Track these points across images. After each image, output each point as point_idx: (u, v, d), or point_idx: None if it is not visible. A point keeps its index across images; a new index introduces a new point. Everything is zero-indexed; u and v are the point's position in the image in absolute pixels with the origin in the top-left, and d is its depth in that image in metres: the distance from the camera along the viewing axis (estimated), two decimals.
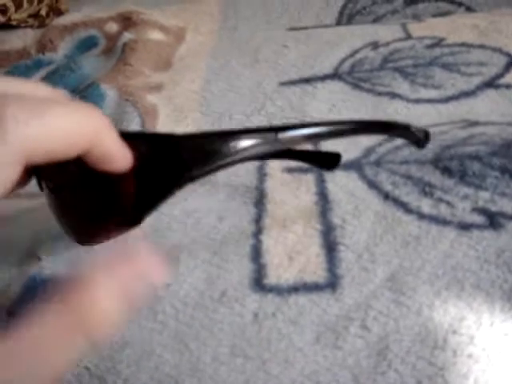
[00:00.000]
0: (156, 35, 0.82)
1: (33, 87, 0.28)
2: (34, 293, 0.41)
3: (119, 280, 0.23)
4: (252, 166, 0.49)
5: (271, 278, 0.39)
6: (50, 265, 0.43)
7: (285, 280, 0.39)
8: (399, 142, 0.48)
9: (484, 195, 0.41)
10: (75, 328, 0.22)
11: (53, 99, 0.26)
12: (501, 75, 0.58)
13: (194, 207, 0.45)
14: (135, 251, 0.25)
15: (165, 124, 0.61)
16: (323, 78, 0.62)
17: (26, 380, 0.21)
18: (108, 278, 0.23)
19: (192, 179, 0.33)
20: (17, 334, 0.22)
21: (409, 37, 0.67)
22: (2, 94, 0.23)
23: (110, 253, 0.24)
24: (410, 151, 0.46)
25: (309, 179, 0.46)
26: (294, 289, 0.38)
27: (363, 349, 0.34)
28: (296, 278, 0.39)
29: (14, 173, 0.23)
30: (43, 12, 1.05)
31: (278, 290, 0.38)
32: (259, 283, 0.39)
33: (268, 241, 0.42)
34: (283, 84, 0.63)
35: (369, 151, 0.48)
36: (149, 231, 0.43)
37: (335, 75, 0.62)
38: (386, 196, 0.43)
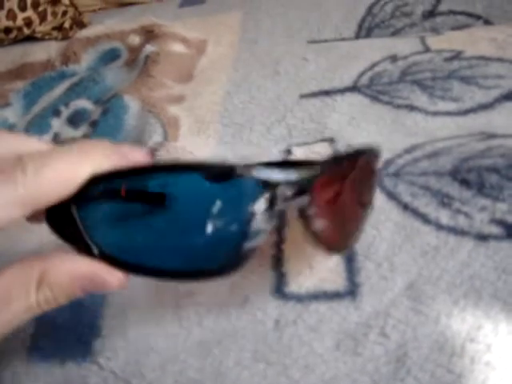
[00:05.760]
0: (178, 47, 0.83)
1: (38, 144, 0.32)
2: None
3: None
4: None
5: (292, 286, 0.40)
6: None
7: (305, 288, 0.40)
8: (418, 153, 0.49)
9: (501, 207, 0.42)
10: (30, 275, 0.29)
11: (52, 150, 0.31)
12: None
13: None
14: None
15: (186, 135, 0.63)
16: (343, 90, 0.63)
17: None
18: None
19: None
20: None
21: (427, 50, 0.68)
22: (17, 156, 0.28)
23: None
24: (429, 163, 0.47)
25: None
26: (315, 297, 0.39)
27: (382, 355, 0.35)
28: (316, 286, 0.40)
29: (16, 213, 0.28)
30: (67, 25, 1.07)
31: (298, 298, 0.39)
32: (280, 291, 0.40)
33: (289, 250, 0.43)
34: (303, 96, 0.64)
35: (388, 163, 0.49)
36: None
37: (354, 88, 0.63)
38: (405, 207, 0.44)
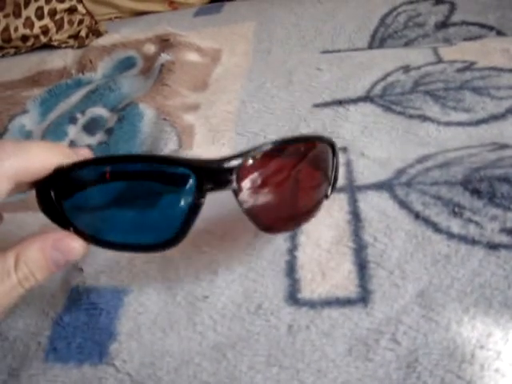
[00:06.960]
0: (192, 57, 0.84)
1: None
2: (78, 302, 0.43)
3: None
4: None
5: (305, 293, 0.41)
6: (91, 276, 0.45)
7: (318, 294, 0.41)
8: (430, 163, 0.50)
9: None
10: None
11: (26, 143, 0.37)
12: None
13: (231, 225, 0.47)
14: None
15: (201, 143, 0.63)
16: (356, 100, 0.64)
17: None
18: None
19: None
20: None
21: (440, 60, 0.69)
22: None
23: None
24: (440, 173, 0.48)
25: (342, 198, 0.48)
26: (327, 303, 0.40)
27: (393, 361, 0.36)
28: (329, 292, 0.41)
29: (6, 186, 0.33)
30: (83, 33, 1.09)
31: (311, 304, 0.40)
32: (293, 297, 0.41)
33: (302, 257, 0.43)
34: (317, 106, 0.65)
35: (400, 172, 0.49)
36: (187, 247, 0.45)
37: (367, 98, 0.64)
38: (417, 216, 0.44)
